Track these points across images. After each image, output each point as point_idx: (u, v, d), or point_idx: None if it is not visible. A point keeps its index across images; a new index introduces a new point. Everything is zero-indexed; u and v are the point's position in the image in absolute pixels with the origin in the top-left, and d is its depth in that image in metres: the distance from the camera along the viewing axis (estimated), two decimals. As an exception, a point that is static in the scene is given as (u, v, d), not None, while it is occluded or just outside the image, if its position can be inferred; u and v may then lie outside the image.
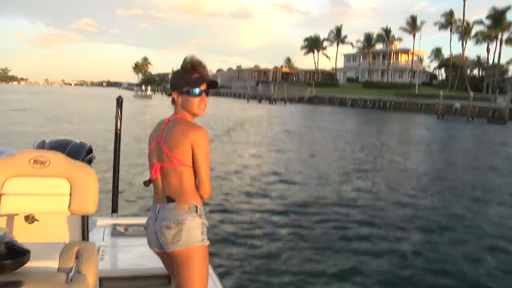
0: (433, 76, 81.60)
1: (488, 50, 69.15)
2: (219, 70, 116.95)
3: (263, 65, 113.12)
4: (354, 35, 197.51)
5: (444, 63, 76.47)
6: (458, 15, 70.92)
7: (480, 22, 68.83)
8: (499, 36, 65.92)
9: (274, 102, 63.69)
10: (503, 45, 66.99)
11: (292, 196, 8.91)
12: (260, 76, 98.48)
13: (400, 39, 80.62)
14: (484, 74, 69.75)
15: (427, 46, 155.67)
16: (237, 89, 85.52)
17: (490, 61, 69.00)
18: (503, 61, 70.89)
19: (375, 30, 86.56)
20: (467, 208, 8.67)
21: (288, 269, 5.15)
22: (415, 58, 75.16)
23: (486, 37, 67.33)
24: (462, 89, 59.29)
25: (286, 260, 5.42)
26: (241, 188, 9.37)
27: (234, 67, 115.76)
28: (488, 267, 5.57)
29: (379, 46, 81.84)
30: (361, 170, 12.47)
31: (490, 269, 5.50)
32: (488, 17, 66.56)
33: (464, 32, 67.82)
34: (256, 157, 14.38)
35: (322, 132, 24.37)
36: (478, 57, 73.91)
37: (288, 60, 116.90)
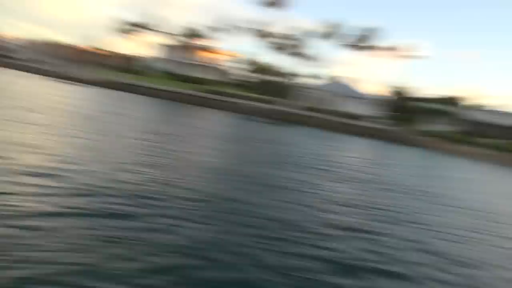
0: (240, 78, 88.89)
1: (283, 59, 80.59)
2: (18, 39, 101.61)
3: (72, 42, 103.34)
4: (175, 27, 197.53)
5: (253, 68, 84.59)
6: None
7: (288, 36, 79.24)
8: (292, 49, 77.64)
9: (82, 84, 59.23)
10: (297, 57, 78.89)
11: (74, 181, 8.82)
12: (70, 54, 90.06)
13: (217, 38, 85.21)
14: (283, 80, 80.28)
15: (241, 49, 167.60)
16: (38, 64, 76.13)
17: (289, 70, 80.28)
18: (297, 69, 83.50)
19: (195, 26, 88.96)
20: (247, 195, 10.12)
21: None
22: (227, 58, 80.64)
23: (280, 48, 78.48)
24: (265, 93, 66.70)
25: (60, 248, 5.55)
26: (22, 169, 8.85)
27: (36, 38, 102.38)
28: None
29: (196, 41, 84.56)
30: (151, 160, 12.88)
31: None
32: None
33: (266, 41, 77.01)
34: (48, 139, 13.22)
35: (123, 119, 23.97)
36: (279, 66, 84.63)
37: (103, 42, 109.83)
